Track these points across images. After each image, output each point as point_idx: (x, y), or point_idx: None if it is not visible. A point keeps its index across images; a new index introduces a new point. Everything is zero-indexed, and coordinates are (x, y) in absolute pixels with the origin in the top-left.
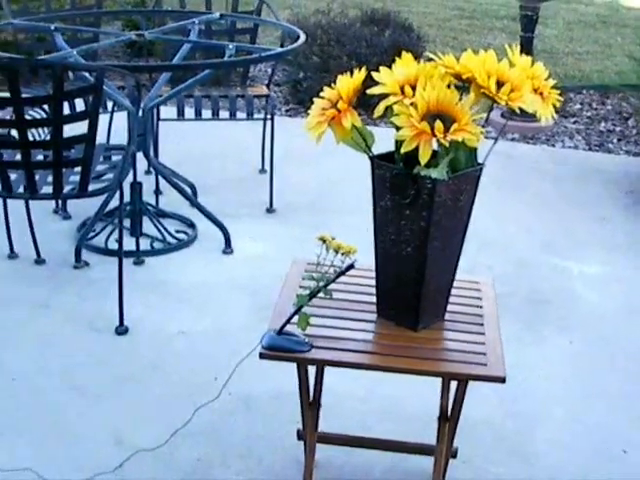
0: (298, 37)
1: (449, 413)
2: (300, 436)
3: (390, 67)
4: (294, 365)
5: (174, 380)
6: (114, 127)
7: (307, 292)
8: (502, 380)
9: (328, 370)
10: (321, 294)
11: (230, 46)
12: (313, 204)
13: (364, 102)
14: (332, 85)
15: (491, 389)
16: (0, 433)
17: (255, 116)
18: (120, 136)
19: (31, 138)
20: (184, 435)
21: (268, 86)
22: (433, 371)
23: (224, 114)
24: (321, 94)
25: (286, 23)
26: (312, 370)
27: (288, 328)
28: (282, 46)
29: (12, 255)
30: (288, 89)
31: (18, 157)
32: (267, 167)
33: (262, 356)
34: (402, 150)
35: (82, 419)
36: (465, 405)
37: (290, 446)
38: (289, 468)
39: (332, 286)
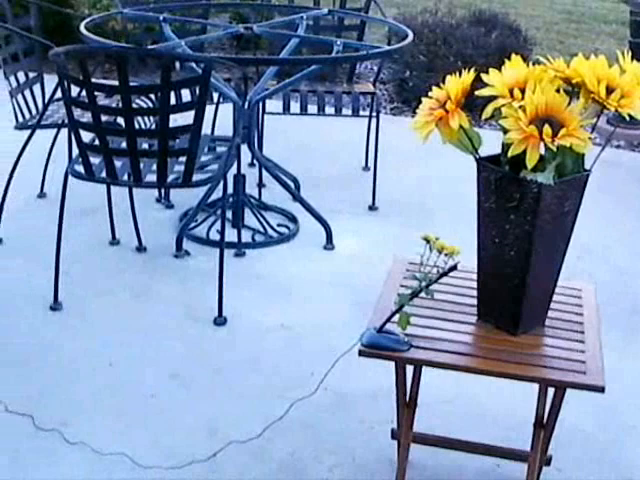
0: (406, 35)
1: (545, 420)
2: (394, 435)
3: (497, 69)
4: (392, 364)
5: (271, 373)
6: (219, 119)
7: (409, 291)
8: (601, 390)
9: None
10: (422, 294)
11: (338, 42)
12: (416, 203)
13: (469, 103)
14: (439, 85)
15: (587, 397)
16: (96, 418)
17: (360, 113)
18: (225, 128)
19: (136, 126)
20: (278, 429)
21: (374, 84)
22: (531, 377)
23: (329, 110)
24: (429, 94)
25: (393, 21)
26: (410, 369)
27: (388, 326)
28: (389, 44)
29: (114, 242)
30: (393, 87)
31: (124, 145)
32: (370, 165)
33: (361, 353)
34: (509, 153)
35: (177, 408)
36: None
37: (384, 445)
38: (382, 467)
39: (434, 286)
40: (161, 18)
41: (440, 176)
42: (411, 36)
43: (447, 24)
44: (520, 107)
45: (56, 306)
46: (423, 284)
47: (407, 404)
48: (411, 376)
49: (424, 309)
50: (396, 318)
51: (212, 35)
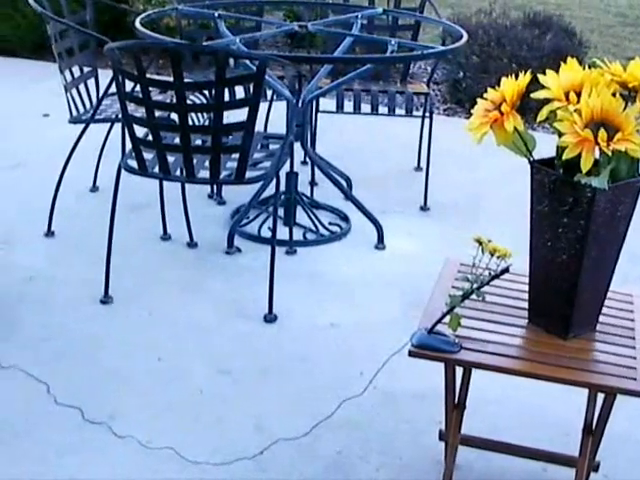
0: (460, 36)
1: (593, 426)
2: (442, 437)
3: (552, 72)
4: (442, 365)
5: (320, 372)
6: (272, 116)
7: (460, 293)
8: None
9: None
10: (474, 296)
11: (392, 42)
12: (468, 204)
13: (523, 106)
14: (494, 86)
15: (637, 404)
16: (144, 412)
17: (414, 114)
18: (277, 125)
19: (190, 122)
20: (326, 427)
21: (428, 84)
22: (581, 382)
23: (383, 109)
24: (484, 95)
25: (448, 21)
26: (459, 371)
27: (438, 327)
28: (444, 44)
29: (165, 237)
30: (447, 88)
31: (177, 140)
32: (423, 165)
33: (411, 354)
34: (564, 156)
35: (225, 404)
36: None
37: (431, 446)
38: (429, 468)
39: (485, 289)
40: (216, 15)
41: (493, 178)
42: (466, 37)
43: (501, 25)
44: (575, 110)
45: (106, 299)
46: (474, 286)
47: (455, 406)
48: (460, 378)
49: (475, 311)
50: (447, 319)
51: (267, 32)
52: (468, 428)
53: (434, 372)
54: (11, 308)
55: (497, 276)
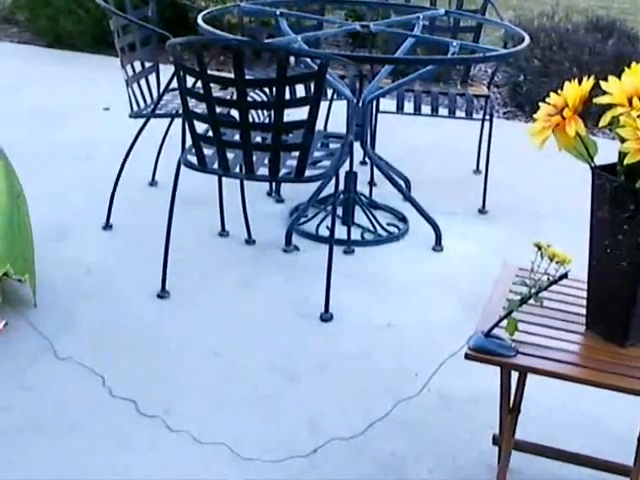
0: (522, 39)
1: None
2: (495, 441)
3: (614, 77)
4: (497, 369)
5: (375, 371)
6: (332, 115)
7: (518, 297)
8: None
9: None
10: (531, 301)
11: (454, 43)
12: (526, 208)
13: (584, 111)
14: (555, 90)
15: None
16: (199, 406)
17: (473, 116)
18: (337, 124)
19: (250, 119)
20: (381, 427)
21: (488, 87)
22: (638, 390)
23: (443, 111)
24: (547, 100)
25: (510, 24)
26: (514, 375)
27: (495, 331)
28: (505, 47)
29: (223, 233)
30: (507, 91)
31: (237, 137)
32: (482, 168)
33: (467, 356)
34: (625, 163)
35: (279, 401)
36: None
37: (484, 449)
38: (481, 471)
39: (543, 294)
40: (278, 13)
41: (552, 183)
42: (528, 40)
43: (563, 29)
44: (638, 116)
45: (163, 294)
46: (533, 291)
47: (510, 410)
48: (515, 382)
49: (532, 316)
50: (504, 323)
51: (328, 31)
52: (522, 433)
53: (490, 375)
54: (69, 301)
55: (556, 281)
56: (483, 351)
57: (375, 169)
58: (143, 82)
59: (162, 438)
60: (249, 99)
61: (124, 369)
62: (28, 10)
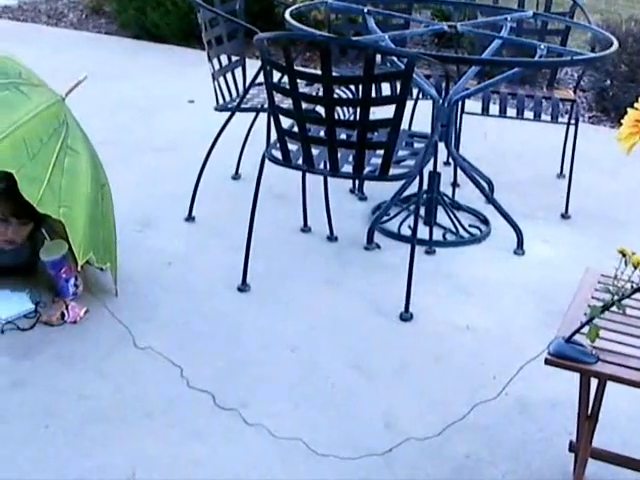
0: (610, 43)
1: None
2: (572, 448)
3: None
4: (576, 375)
5: (453, 373)
6: (417, 115)
7: (600, 304)
8: None
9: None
10: (614, 308)
11: (542, 46)
12: (610, 214)
13: None
14: None
15: None
16: (276, 401)
17: (559, 120)
18: (422, 124)
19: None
20: (457, 429)
21: (574, 91)
22: None
23: (528, 114)
24: (635, 105)
25: (598, 28)
26: (594, 383)
27: (576, 337)
28: (593, 51)
29: (305, 229)
30: (593, 96)
31: (321, 134)
32: (566, 172)
33: (548, 362)
34: None
35: (357, 398)
36: None
37: (560, 456)
38: (556, 478)
39: (626, 301)
40: (365, 10)
41: (638, 189)
42: (616, 44)
43: None
44: None
45: (244, 288)
46: (615, 298)
47: (588, 417)
48: (594, 389)
49: (614, 323)
50: (585, 330)
51: (415, 31)
52: (599, 441)
53: (569, 382)
54: (150, 291)
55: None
56: (563, 357)
57: (458, 170)
58: (229, 76)
59: (238, 431)
60: (335, 96)
61: (202, 361)
62: (116, 2)
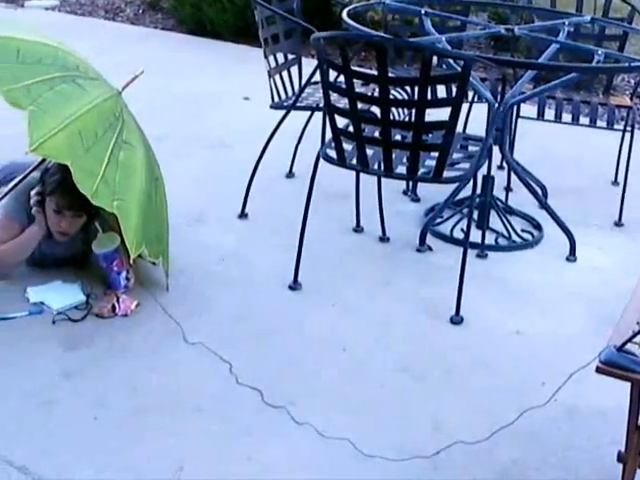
0: None
1: None
2: (620, 458)
3: None
4: (627, 385)
5: (503, 378)
6: (471, 118)
7: None
8: None
9: None
10: None
11: (599, 52)
12: None
13: None
14: None
15: None
16: (324, 400)
17: (615, 126)
18: (476, 127)
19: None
20: (505, 435)
21: (631, 97)
22: None
23: (584, 120)
24: None
25: None
26: None
27: (628, 347)
28: None
29: (357, 229)
30: None
31: (376, 134)
32: (620, 180)
33: (599, 370)
34: None
35: (405, 399)
36: None
37: (608, 465)
38: None
39: None
40: (422, 12)
41: None
42: None
43: None
44: None
45: (295, 286)
46: None
47: (638, 428)
48: None
49: None
50: (637, 339)
51: (472, 33)
52: None
53: (619, 391)
54: (203, 286)
55: None
56: (615, 366)
57: (512, 174)
58: (285, 74)
59: (286, 429)
60: (390, 96)
61: (252, 358)
62: None
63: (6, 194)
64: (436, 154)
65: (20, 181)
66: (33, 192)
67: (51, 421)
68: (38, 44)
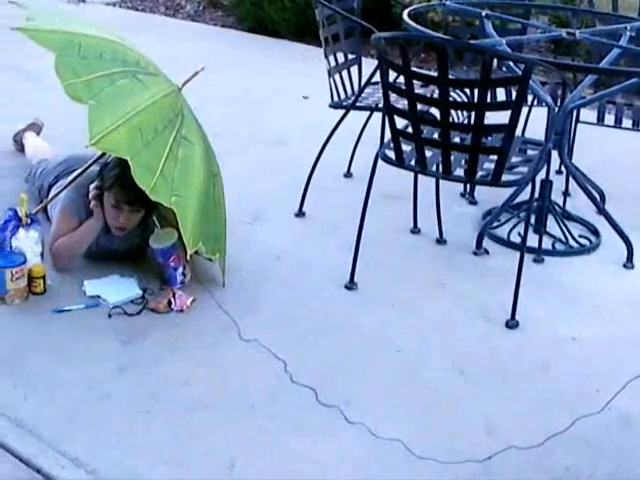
0: None
1: None
2: None
3: None
4: None
5: (557, 384)
6: (530, 122)
7: None
8: None
9: None
10: None
11: None
12: None
13: None
14: None
15: None
16: (378, 401)
17: None
18: (535, 131)
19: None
20: (559, 441)
21: None
22: None
23: None
24: None
25: None
26: None
27: None
28: None
29: (415, 230)
30: None
31: (435, 136)
32: None
33: None
34: None
35: (459, 402)
36: None
37: None
38: None
39: None
40: (483, 14)
41: None
42: None
43: None
44: None
45: (351, 285)
46: None
47: None
48: None
49: None
50: None
51: (532, 36)
52: None
53: None
54: (259, 283)
55: None
56: None
57: (570, 179)
58: (344, 73)
59: (339, 428)
60: (449, 98)
61: (306, 356)
62: None
63: (65, 187)
64: (495, 157)
65: (79, 175)
66: (92, 186)
67: (105, 414)
68: (99, 39)
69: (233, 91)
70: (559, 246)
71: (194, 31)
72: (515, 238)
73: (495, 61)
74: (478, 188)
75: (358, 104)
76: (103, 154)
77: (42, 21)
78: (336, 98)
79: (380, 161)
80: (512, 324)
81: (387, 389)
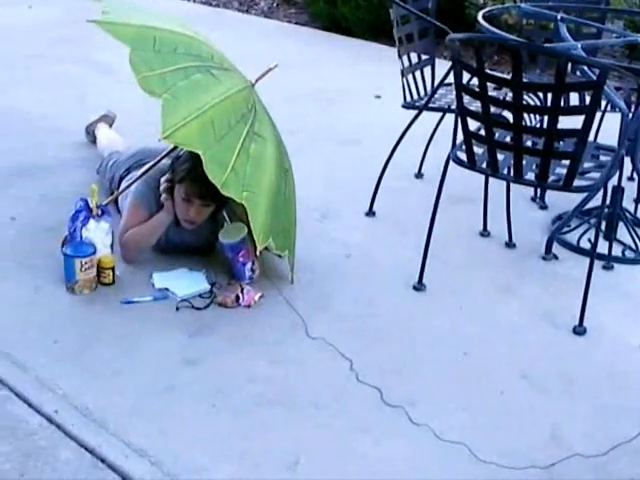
0: None
1: None
2: None
3: None
4: None
5: (625, 392)
6: (603, 127)
7: None
8: None
9: None
10: None
11: None
12: None
13: None
14: None
15: None
16: (443, 403)
17: None
18: (608, 137)
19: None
20: (623, 451)
21: None
22: None
23: None
24: None
25: None
26: None
27: None
28: None
29: (484, 233)
30: None
31: (508, 139)
32: None
33: None
34: None
35: (524, 408)
36: None
37: None
38: None
39: None
40: (558, 17)
41: None
42: None
43: None
44: None
45: (419, 287)
46: None
47: None
48: None
49: None
50: None
51: (608, 41)
52: None
53: None
54: (327, 281)
55: None
56: None
57: None
58: (418, 74)
59: (403, 429)
60: (523, 102)
61: (373, 356)
62: None
63: (137, 179)
64: (567, 162)
65: (151, 167)
66: (163, 179)
67: (171, 406)
68: (174, 33)
69: (305, 89)
70: (629, 253)
71: (267, 28)
72: (585, 244)
73: (570, 65)
74: (549, 193)
75: (431, 105)
76: (175, 147)
77: (117, 14)
78: (409, 98)
79: (451, 163)
80: (579, 330)
81: (452, 392)
